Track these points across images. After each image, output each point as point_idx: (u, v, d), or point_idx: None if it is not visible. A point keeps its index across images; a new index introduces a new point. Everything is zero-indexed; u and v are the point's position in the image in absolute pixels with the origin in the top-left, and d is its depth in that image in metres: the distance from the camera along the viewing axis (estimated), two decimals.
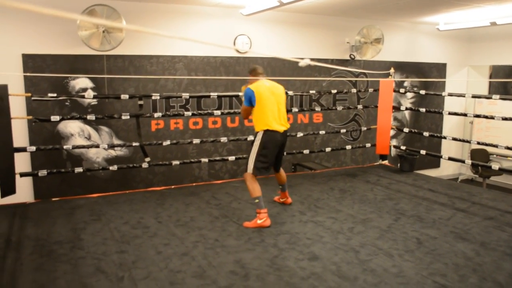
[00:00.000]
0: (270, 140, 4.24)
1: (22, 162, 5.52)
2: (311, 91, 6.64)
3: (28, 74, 5.58)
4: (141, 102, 5.31)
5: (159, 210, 4.58)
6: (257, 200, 4.12)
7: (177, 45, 6.55)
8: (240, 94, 4.76)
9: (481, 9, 6.44)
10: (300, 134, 6.38)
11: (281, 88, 4.47)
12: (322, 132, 6.69)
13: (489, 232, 3.92)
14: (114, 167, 5.34)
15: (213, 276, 3.06)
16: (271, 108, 4.26)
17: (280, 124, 4.30)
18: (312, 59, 7.48)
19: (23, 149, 4.89)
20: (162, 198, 5.02)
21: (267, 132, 4.22)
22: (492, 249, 3.53)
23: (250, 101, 4.27)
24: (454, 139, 6.16)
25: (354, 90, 7.63)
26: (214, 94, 5.91)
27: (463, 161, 6.14)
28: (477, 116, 5.90)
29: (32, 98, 4.92)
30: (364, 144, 7.18)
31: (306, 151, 6.43)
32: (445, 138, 6.22)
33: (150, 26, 6.32)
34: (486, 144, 5.88)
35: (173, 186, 5.62)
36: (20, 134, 5.59)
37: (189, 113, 5.70)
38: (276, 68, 7.26)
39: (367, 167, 6.80)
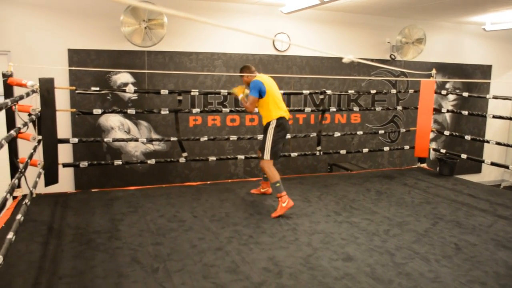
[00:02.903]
0: (283, 127, 4.47)
1: (64, 153, 5.70)
2: (349, 91, 6.55)
3: (73, 68, 5.77)
4: (180, 98, 5.39)
5: (194, 204, 4.63)
6: (278, 184, 4.30)
7: (216, 42, 6.61)
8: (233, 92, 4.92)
9: None
10: (337, 134, 6.32)
11: (275, 83, 4.70)
12: (359, 132, 6.60)
13: None
14: (152, 161, 5.44)
15: (246, 272, 3.08)
16: (278, 97, 4.53)
17: (286, 112, 4.54)
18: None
19: (66, 141, 5.05)
20: (198, 193, 5.08)
21: (279, 119, 4.45)
22: None
23: (260, 92, 4.42)
24: (498, 143, 5.94)
25: (393, 91, 7.48)
26: None
27: (507, 167, 5.92)
28: None
29: (77, 91, 5.09)
30: (402, 146, 7.04)
31: (342, 151, 6.36)
32: (488, 142, 6.01)
33: (190, 23, 6.41)
34: None
35: (209, 182, 5.68)
36: (63, 126, 5.78)
37: (227, 110, 5.74)
38: (315, 67, 7.21)
39: (405, 169, 6.66)
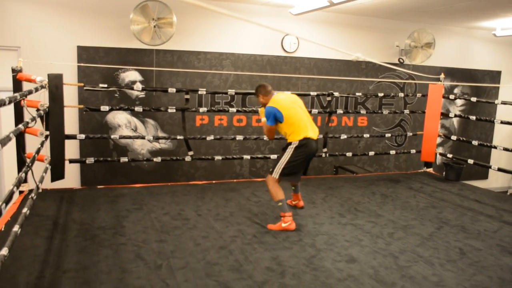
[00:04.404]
0: (305, 149, 4.05)
1: (71, 150, 5.74)
2: (357, 94, 6.54)
3: (81, 64, 5.80)
4: (187, 96, 5.40)
5: (199, 203, 4.64)
6: (280, 203, 4.00)
7: (225, 42, 6.63)
8: (259, 115, 4.48)
9: None
10: (343, 137, 6.30)
11: (294, 95, 4.31)
12: (366, 135, 6.59)
13: None
14: (158, 159, 5.45)
15: (249, 271, 3.08)
16: (300, 117, 4.09)
17: (313, 131, 4.13)
18: (360, 62, 7.40)
19: (73, 137, 5.08)
20: (203, 192, 5.09)
21: (302, 141, 4.03)
22: None
23: (276, 118, 4.05)
24: (506, 149, 5.90)
25: (401, 94, 7.47)
26: None
27: None
28: None
29: (85, 87, 5.12)
30: (409, 150, 7.01)
31: (348, 154, 6.35)
32: (495, 147, 5.97)
33: (199, 22, 6.43)
34: None
35: (214, 181, 5.69)
36: (71, 122, 5.81)
37: (234, 110, 5.75)
38: (323, 69, 7.21)
39: (411, 173, 6.63)
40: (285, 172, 4.06)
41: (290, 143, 4.07)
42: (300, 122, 4.05)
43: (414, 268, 3.22)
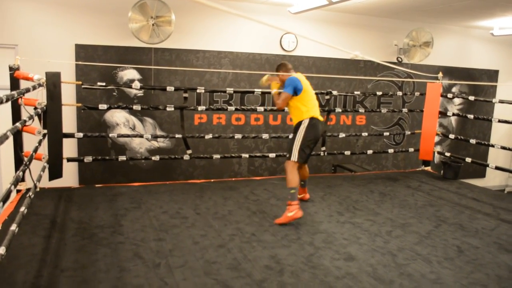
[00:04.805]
0: (315, 129, 4.24)
1: (69, 148, 5.73)
2: (355, 92, 6.54)
3: (79, 62, 5.79)
4: (186, 95, 5.39)
5: (198, 202, 4.64)
6: (293, 191, 4.06)
7: (224, 40, 6.63)
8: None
9: None
10: (342, 135, 6.31)
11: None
12: (364, 134, 6.59)
13: None
14: (156, 158, 5.44)
15: (248, 269, 3.08)
16: (313, 97, 4.34)
17: (320, 114, 4.35)
18: (358, 61, 7.41)
19: (71, 135, 5.07)
20: (201, 190, 5.08)
21: (312, 120, 4.22)
22: None
23: (295, 89, 4.20)
24: (503, 147, 5.91)
25: (399, 93, 7.47)
26: (258, 91, 5.93)
27: (511, 171, 5.89)
28: None
29: (83, 86, 5.10)
30: (407, 148, 7.02)
31: (347, 153, 6.36)
32: (493, 146, 5.99)
33: (197, 21, 6.43)
34: None
35: (212, 180, 5.68)
36: (69, 120, 5.80)
37: (232, 108, 5.74)
38: (321, 67, 7.21)
39: (409, 172, 6.64)
40: (302, 153, 4.18)
41: (300, 123, 4.23)
42: (312, 101, 4.30)
43: (412, 266, 3.23)
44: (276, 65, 6.44)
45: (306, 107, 4.23)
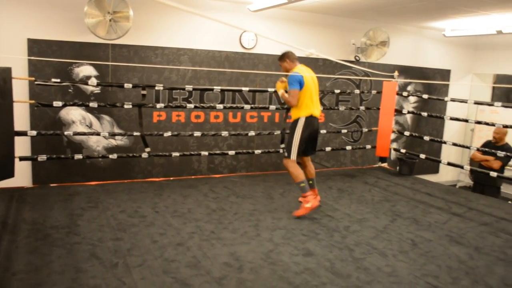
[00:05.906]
0: (311, 127, 4.33)
1: (22, 147, 5.53)
2: None
3: (32, 57, 5.59)
4: (144, 92, 5.31)
5: (156, 200, 4.59)
6: (302, 184, 4.20)
7: (183, 38, 6.56)
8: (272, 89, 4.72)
9: (488, 17, 6.44)
10: None
11: (315, 77, 4.54)
12: (323, 131, 6.69)
13: (483, 237, 3.93)
14: (114, 156, 5.33)
15: (207, 267, 3.08)
16: (312, 94, 4.35)
17: (318, 110, 4.43)
18: (317, 59, 7.50)
19: (23, 133, 4.89)
20: (160, 189, 5.03)
21: (308, 118, 4.30)
22: (486, 254, 3.54)
23: (300, 83, 4.25)
24: (454, 144, 6.15)
25: (357, 91, 7.63)
26: (217, 88, 5.91)
27: (461, 167, 6.14)
28: (478, 122, 5.89)
29: (36, 82, 4.93)
30: (364, 145, 7.18)
31: None
32: (445, 143, 6.22)
33: (157, 17, 6.34)
34: (486, 152, 5.89)
35: (171, 178, 5.64)
36: (21, 118, 5.59)
37: (192, 106, 5.70)
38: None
39: (366, 168, 6.80)
40: (300, 150, 4.30)
41: (297, 120, 4.31)
42: (310, 99, 4.32)
43: (368, 260, 3.31)
44: (235, 63, 6.39)
45: (305, 104, 4.30)
